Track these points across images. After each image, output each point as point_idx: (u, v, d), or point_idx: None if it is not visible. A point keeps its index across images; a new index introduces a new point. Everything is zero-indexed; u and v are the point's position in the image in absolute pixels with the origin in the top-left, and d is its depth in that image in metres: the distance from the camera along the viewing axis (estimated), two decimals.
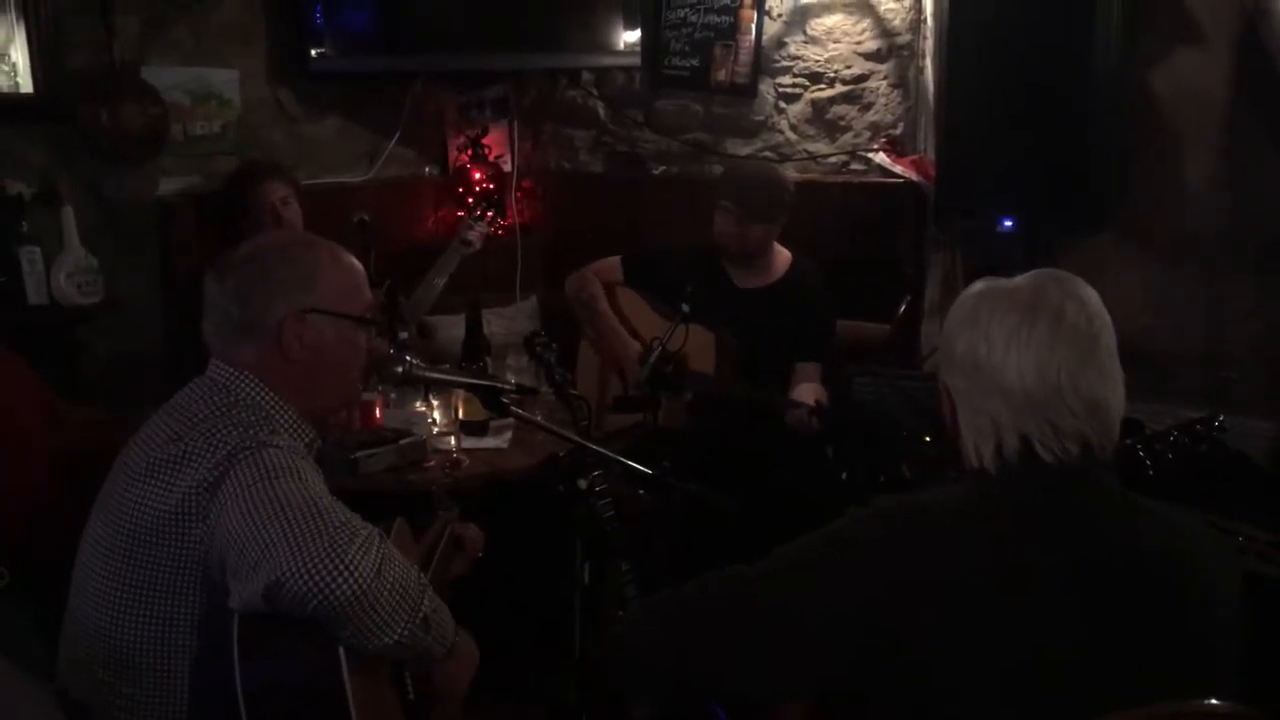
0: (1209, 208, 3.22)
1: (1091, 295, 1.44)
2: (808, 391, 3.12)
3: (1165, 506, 1.45)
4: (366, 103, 4.26)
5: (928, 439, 2.75)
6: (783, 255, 3.35)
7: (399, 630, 1.51)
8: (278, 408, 1.73)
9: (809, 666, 1.43)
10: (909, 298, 3.55)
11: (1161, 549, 1.40)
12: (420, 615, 1.54)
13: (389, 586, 1.49)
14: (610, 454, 2.20)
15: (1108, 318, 1.44)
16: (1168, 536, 1.42)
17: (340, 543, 1.47)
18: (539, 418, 2.58)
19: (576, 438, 2.23)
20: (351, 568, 1.45)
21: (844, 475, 3.30)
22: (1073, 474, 1.39)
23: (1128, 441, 2.04)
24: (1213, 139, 3.21)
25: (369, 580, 1.46)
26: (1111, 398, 1.40)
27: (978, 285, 1.49)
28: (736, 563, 1.52)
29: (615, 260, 3.48)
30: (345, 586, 1.44)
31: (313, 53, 3.88)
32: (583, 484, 2.30)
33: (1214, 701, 1.28)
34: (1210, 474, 2.76)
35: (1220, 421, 2.00)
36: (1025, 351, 1.39)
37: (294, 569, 1.44)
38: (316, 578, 1.43)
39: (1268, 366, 3.08)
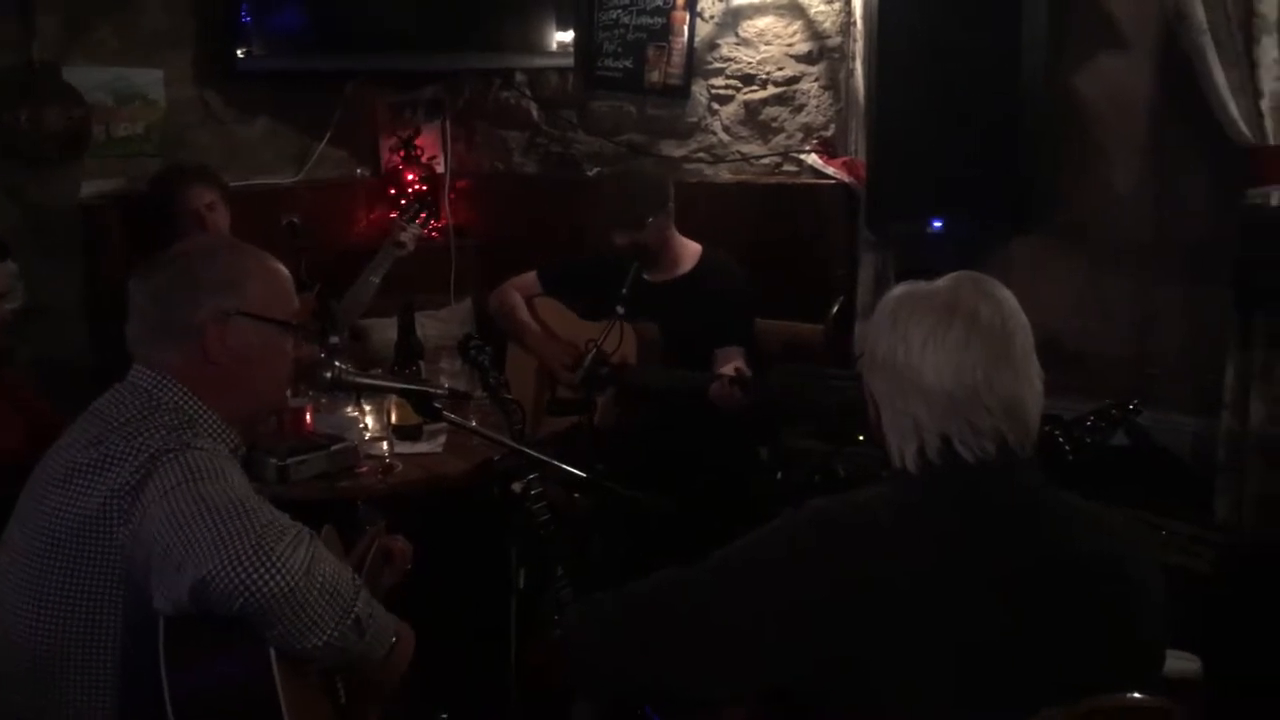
0: (1136, 210, 3.28)
1: (1006, 296, 1.47)
2: (728, 367, 3.14)
3: (1086, 503, 1.48)
4: (296, 103, 4.20)
5: (861, 438, 2.77)
6: (691, 247, 3.39)
7: (329, 631, 1.49)
8: (201, 412, 1.70)
9: (745, 669, 1.43)
10: (841, 298, 3.58)
11: (1084, 546, 1.42)
12: (352, 616, 1.52)
13: (319, 585, 1.48)
14: (544, 457, 2.19)
15: (1023, 318, 1.46)
16: (1090, 533, 1.45)
17: (268, 539, 1.45)
18: (473, 422, 2.57)
19: (510, 442, 2.21)
20: (279, 564, 1.44)
21: (779, 475, 3.32)
22: (992, 473, 1.40)
23: (1046, 428, 2.07)
24: (1138, 143, 3.27)
25: (298, 577, 1.45)
26: (1027, 396, 1.42)
27: (898, 288, 1.51)
28: (674, 564, 1.52)
29: (531, 275, 3.54)
30: (273, 583, 1.42)
31: (239, 53, 3.83)
32: (518, 488, 2.29)
33: (1137, 695, 1.31)
34: (1138, 469, 2.83)
35: (1135, 405, 2.04)
36: (942, 352, 1.41)
37: (220, 566, 1.42)
38: (243, 574, 1.42)
39: (1193, 366, 3.14)
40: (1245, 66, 2.76)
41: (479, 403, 2.82)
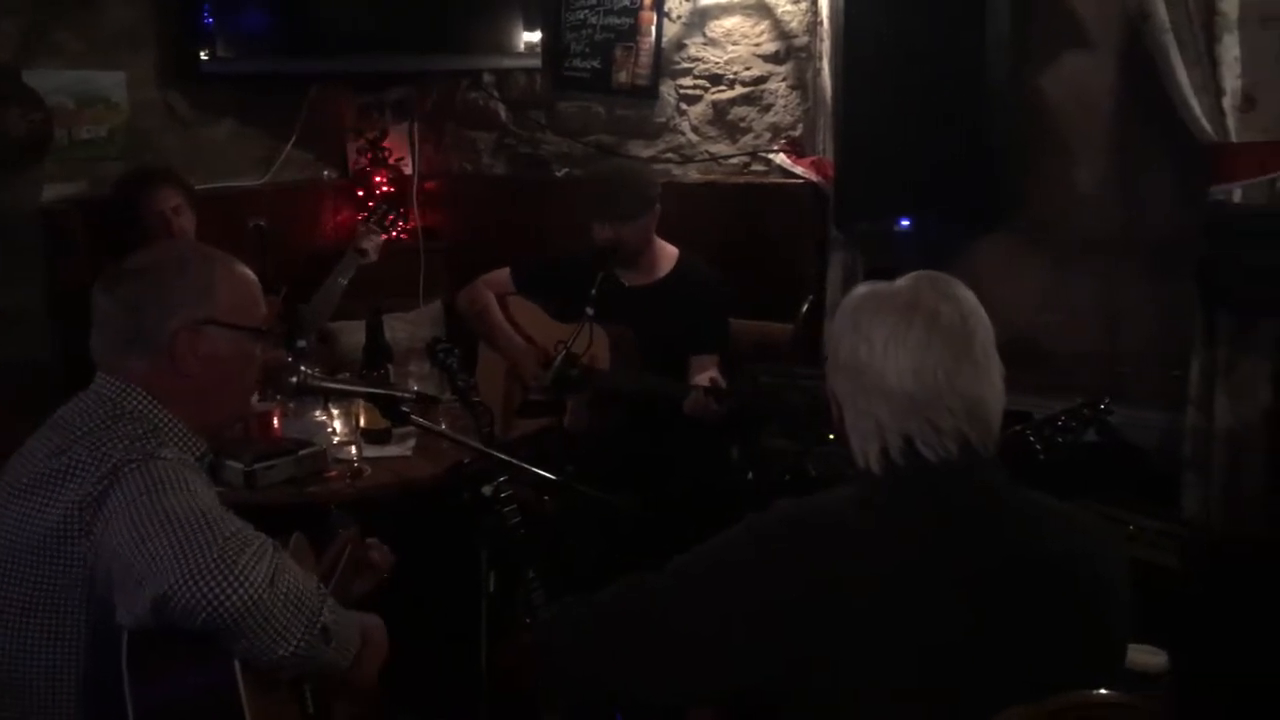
0: (1101, 209, 3.31)
1: (967, 295, 1.47)
2: (703, 378, 3.14)
3: (1052, 501, 1.48)
4: (262, 105, 4.17)
5: (831, 436, 2.78)
6: (669, 251, 3.38)
7: (295, 641, 1.48)
8: (166, 421, 1.68)
9: (715, 672, 1.43)
10: (810, 297, 3.59)
11: (1049, 544, 1.43)
12: (319, 626, 1.51)
13: (283, 596, 1.46)
14: (513, 460, 2.18)
15: (984, 317, 1.46)
16: (1056, 532, 1.45)
17: (230, 553, 1.44)
18: (442, 425, 2.56)
19: (479, 445, 2.20)
20: (242, 578, 1.42)
21: (749, 475, 3.32)
22: (955, 472, 1.41)
23: (1017, 428, 2.08)
24: (1102, 141, 3.30)
25: (261, 590, 1.43)
26: (989, 395, 1.43)
27: (858, 289, 1.52)
28: (645, 566, 1.52)
29: (504, 271, 3.49)
30: (236, 597, 1.41)
31: (203, 55, 3.79)
32: (488, 491, 2.28)
33: (1104, 691, 1.32)
34: (1105, 465, 2.85)
35: (1106, 404, 2.05)
36: (903, 353, 1.41)
37: (182, 580, 1.40)
38: (205, 589, 1.40)
39: (1159, 362, 3.17)
40: (1207, 65, 2.79)
41: (448, 405, 2.81)
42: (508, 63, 4.23)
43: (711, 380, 3.01)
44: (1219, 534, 2.80)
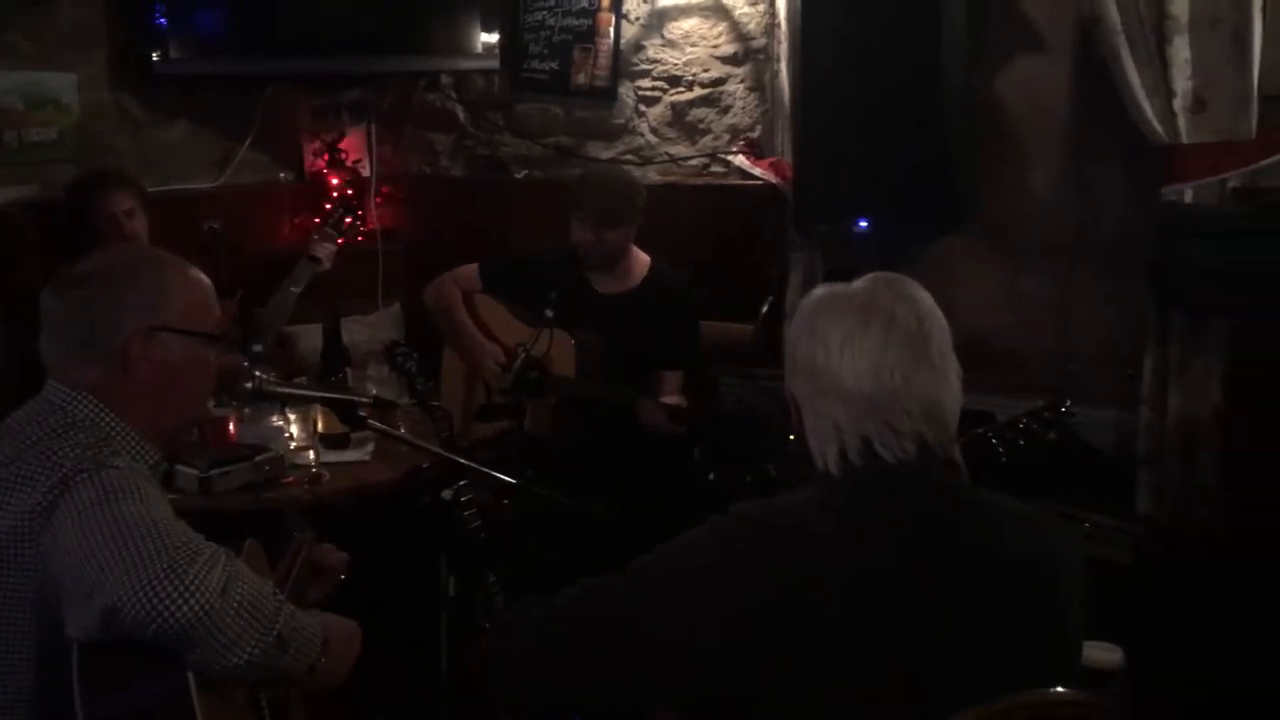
0: (1055, 209, 3.35)
1: (923, 296, 1.47)
2: (666, 400, 3.15)
3: (1008, 501, 1.49)
4: (216, 106, 4.12)
5: (791, 437, 2.79)
6: (641, 259, 3.36)
7: (249, 650, 1.46)
8: (119, 429, 1.66)
9: (676, 676, 1.42)
10: (771, 298, 3.60)
11: (1007, 545, 1.44)
12: (274, 633, 1.50)
13: (236, 605, 1.45)
14: (473, 464, 2.16)
15: (941, 318, 1.46)
16: (1014, 532, 1.46)
17: (180, 563, 1.42)
18: (401, 429, 2.54)
19: (438, 449, 2.19)
20: (193, 588, 1.40)
21: (711, 476, 3.33)
22: (913, 474, 1.41)
23: (980, 430, 2.10)
24: (1056, 143, 3.34)
25: (212, 600, 1.41)
26: (945, 397, 1.43)
27: (816, 291, 1.52)
28: (606, 570, 1.51)
29: (473, 268, 3.44)
30: (186, 608, 1.39)
31: (155, 55, 3.74)
32: (447, 495, 2.26)
33: (1060, 690, 1.33)
34: (1061, 463, 2.88)
35: (1067, 407, 2.08)
36: (860, 355, 1.41)
37: (131, 592, 1.38)
38: (155, 600, 1.38)
39: (1113, 361, 3.21)
40: (1158, 67, 2.83)
41: (407, 410, 2.79)
42: (466, 64, 4.21)
43: (673, 403, 3.02)
44: (1173, 531, 2.84)
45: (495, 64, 4.15)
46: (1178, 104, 2.82)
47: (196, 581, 1.41)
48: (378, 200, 4.44)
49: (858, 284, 1.48)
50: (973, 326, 3.22)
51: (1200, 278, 2.74)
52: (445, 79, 4.39)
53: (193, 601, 1.40)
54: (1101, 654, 2.02)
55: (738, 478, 3.05)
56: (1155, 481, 2.94)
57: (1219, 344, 2.84)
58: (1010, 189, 3.41)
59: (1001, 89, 3.37)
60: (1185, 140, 2.83)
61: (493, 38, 4.10)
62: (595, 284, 3.30)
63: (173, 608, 1.39)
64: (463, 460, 2.16)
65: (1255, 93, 2.78)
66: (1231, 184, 2.83)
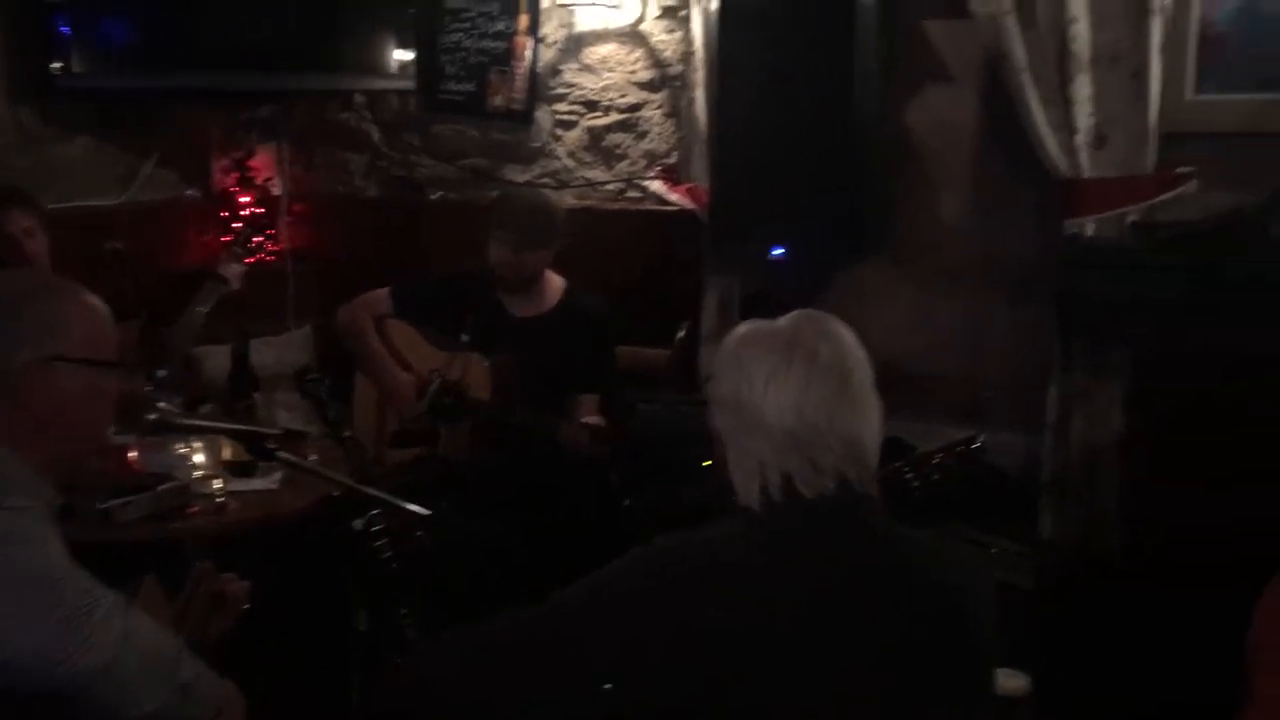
0: (964, 237, 3.42)
1: (846, 334, 1.50)
2: (586, 420, 3.14)
3: (924, 536, 1.51)
4: (121, 121, 4.01)
5: (707, 462, 2.80)
6: (556, 282, 3.35)
7: (152, 701, 1.42)
8: (12, 464, 1.59)
9: (595, 710, 1.41)
10: (687, 323, 3.62)
11: (923, 580, 1.46)
12: (176, 682, 1.45)
13: (137, 657, 1.40)
14: (384, 495, 2.13)
15: (862, 355, 1.49)
16: (929, 567, 1.48)
17: (78, 615, 1.37)
18: (313, 457, 2.49)
19: (348, 481, 2.15)
20: (92, 641, 1.36)
21: (627, 501, 3.33)
22: (833, 510, 1.43)
23: (895, 465, 2.13)
24: (966, 173, 3.41)
25: (113, 651, 1.37)
26: (865, 433, 1.46)
27: (741, 328, 1.53)
28: (523, 599, 1.50)
29: (384, 292, 3.39)
30: (85, 661, 1.35)
31: (54, 68, 3.63)
32: (359, 525, 2.23)
33: None
34: (968, 488, 2.92)
35: (979, 444, 2.12)
36: (783, 391, 1.43)
37: (26, 647, 1.33)
38: (52, 655, 1.34)
39: (1020, 386, 3.28)
40: (1061, 103, 2.90)
41: (317, 439, 2.74)
42: (380, 84, 4.17)
43: (591, 423, 3.02)
44: (1074, 556, 2.91)
45: (410, 84, 4.11)
46: (1079, 140, 2.90)
47: (96, 634, 1.37)
48: (289, 220, 4.36)
49: (782, 321, 1.50)
50: (885, 351, 3.23)
51: (1101, 309, 2.81)
52: (359, 98, 4.34)
53: (92, 655, 1.35)
54: (1007, 680, 2.06)
55: (654, 503, 3.06)
56: (1059, 507, 3.01)
57: (1121, 373, 2.92)
58: (921, 217, 3.48)
59: (912, 119, 3.44)
60: (1087, 175, 2.91)
61: (408, 57, 4.07)
62: (510, 306, 3.29)
63: (71, 662, 1.34)
64: (374, 493, 2.12)
65: (1153, 130, 2.88)
66: (1131, 218, 2.91)
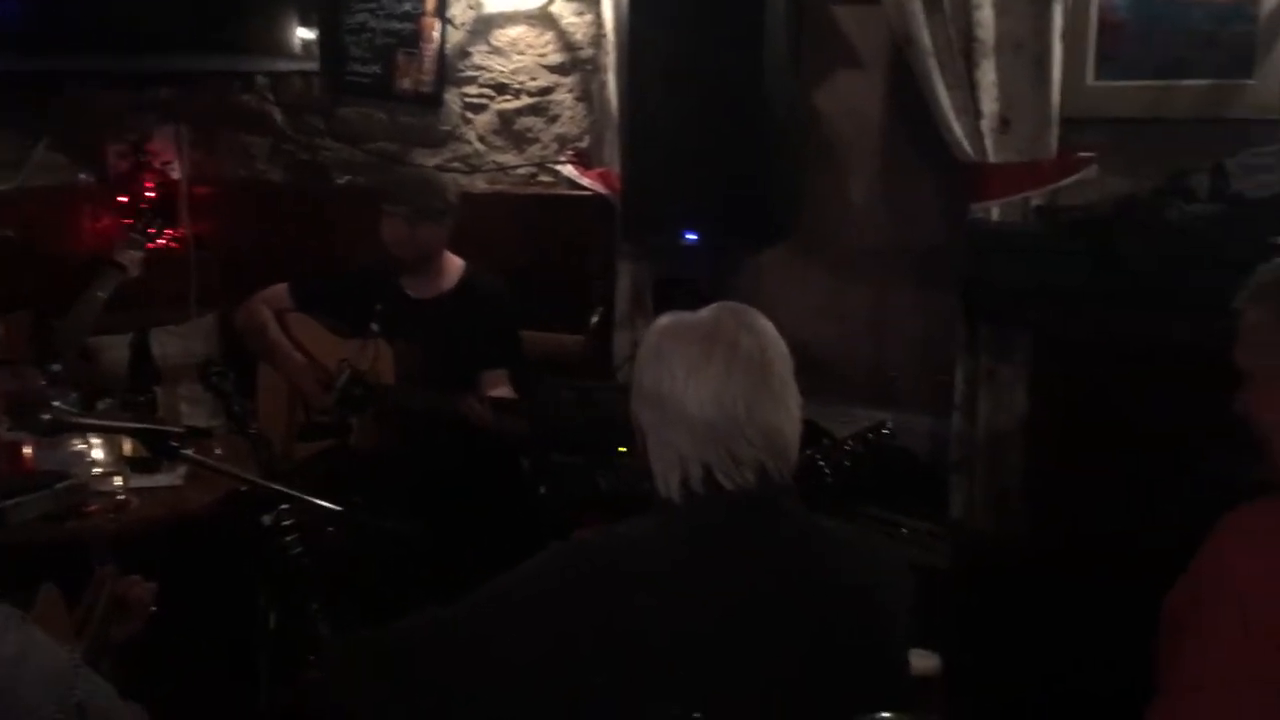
0: (872, 221, 3.47)
1: (766, 326, 1.50)
2: (495, 393, 3.12)
3: (842, 527, 1.54)
4: (9, 104, 3.85)
5: (622, 449, 2.80)
6: (455, 263, 3.32)
7: None
8: None
9: (510, 709, 1.40)
10: (600, 309, 3.60)
11: (840, 571, 1.48)
12: (73, 702, 1.40)
13: (31, 675, 1.35)
14: (293, 492, 2.08)
15: (783, 347, 1.50)
16: (846, 558, 1.50)
17: None
18: (218, 452, 2.43)
19: (255, 479, 2.10)
20: None
21: (542, 489, 3.31)
22: (753, 501, 1.44)
23: (808, 452, 2.15)
24: (873, 157, 3.45)
25: (6, 668, 1.31)
26: (785, 425, 1.47)
27: (662, 320, 1.54)
28: (439, 593, 1.48)
29: (282, 287, 3.35)
30: None
31: None
32: (268, 520, 2.18)
33: (886, 715, 1.37)
34: (880, 472, 2.97)
35: (888, 429, 2.15)
36: (704, 383, 1.43)
37: None
38: None
39: (927, 368, 3.34)
40: (966, 88, 2.94)
41: (223, 433, 2.67)
42: (283, 65, 4.06)
43: (497, 396, 2.99)
44: (981, 536, 2.97)
45: (314, 65, 4.03)
46: (984, 125, 2.94)
47: None
48: (190, 205, 4.24)
49: (703, 313, 1.51)
50: (796, 335, 3.28)
51: (1006, 292, 2.86)
52: (261, 80, 4.23)
53: None
54: (918, 660, 2.09)
55: (569, 491, 3.05)
56: (967, 487, 3.07)
57: (1025, 354, 2.98)
58: (831, 202, 3.51)
59: (822, 104, 3.47)
60: (991, 159, 2.96)
61: (311, 38, 3.97)
62: (408, 289, 3.25)
63: None
64: (281, 488, 2.08)
65: (1055, 115, 2.93)
66: (1034, 202, 2.97)
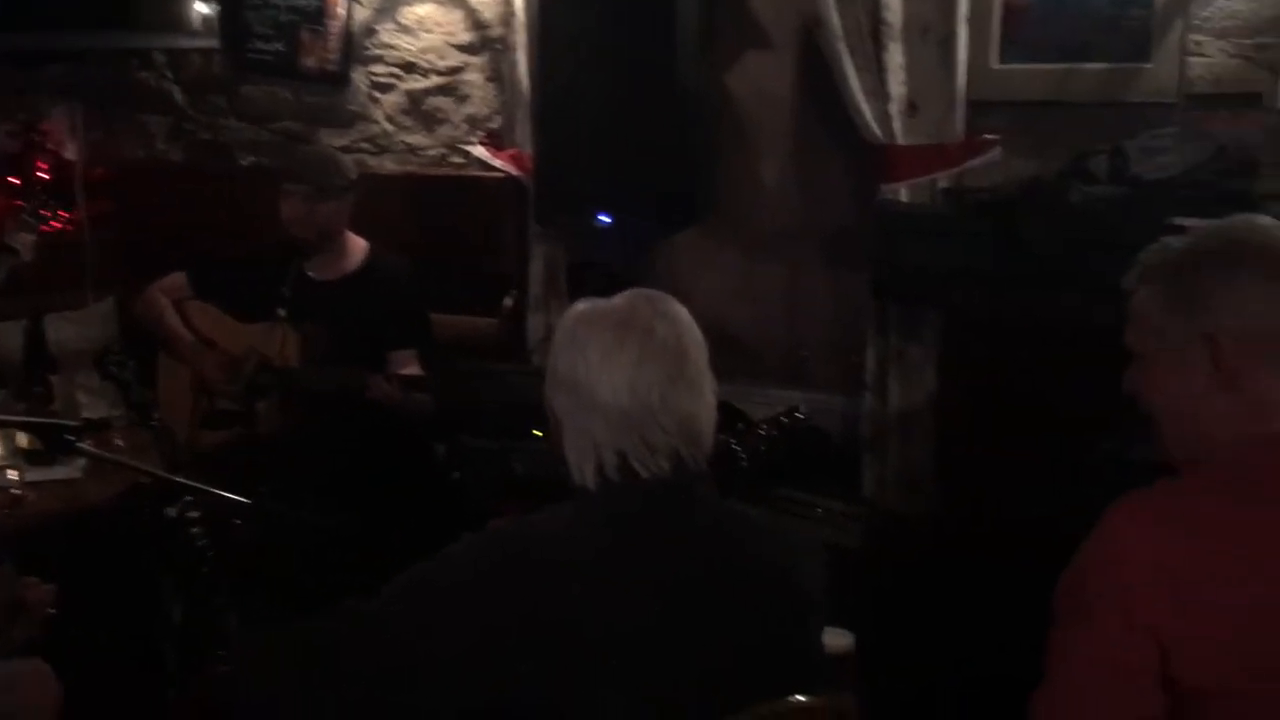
0: (784, 203, 3.48)
1: (681, 313, 1.50)
2: (405, 373, 3.08)
3: (756, 513, 1.56)
4: None
5: (537, 433, 2.79)
6: (359, 244, 3.28)
7: None
8: None
9: (434, 703, 1.39)
10: (514, 292, 3.58)
11: (756, 557, 1.49)
12: None
13: None
14: (197, 484, 2.03)
15: (697, 333, 1.50)
16: (760, 544, 1.52)
17: None
18: (118, 443, 2.36)
19: (157, 471, 2.04)
20: None
21: (456, 474, 3.28)
22: (668, 489, 1.44)
23: (722, 437, 2.16)
24: (785, 139, 3.46)
25: None
26: (701, 411, 1.47)
27: (578, 306, 1.53)
28: (351, 585, 1.47)
29: (180, 276, 3.28)
30: None
31: None
32: (171, 513, 2.13)
33: (801, 698, 1.38)
34: (793, 452, 3.00)
35: (801, 413, 2.17)
36: (618, 370, 1.43)
37: None
38: None
39: (838, 348, 3.37)
40: (875, 71, 2.97)
41: (124, 421, 2.59)
42: (182, 41, 3.95)
43: (404, 374, 2.95)
44: (893, 515, 3.02)
45: (214, 42, 3.92)
46: (893, 107, 2.97)
47: None
48: (86, 186, 4.10)
49: (618, 299, 1.50)
50: (709, 318, 3.29)
51: (914, 272, 2.90)
52: (160, 57, 4.11)
53: None
54: (832, 639, 2.12)
55: (484, 475, 3.03)
56: (879, 466, 3.11)
57: (934, 334, 3.03)
58: (743, 183, 3.52)
59: (733, 86, 3.47)
60: (900, 142, 2.99)
61: (211, 14, 3.86)
62: (311, 271, 3.19)
63: None
64: (184, 480, 2.02)
65: (961, 98, 2.98)
66: (941, 184, 3.01)
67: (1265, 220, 1.45)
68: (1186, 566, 1.26)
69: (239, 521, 2.20)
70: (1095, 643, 1.29)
